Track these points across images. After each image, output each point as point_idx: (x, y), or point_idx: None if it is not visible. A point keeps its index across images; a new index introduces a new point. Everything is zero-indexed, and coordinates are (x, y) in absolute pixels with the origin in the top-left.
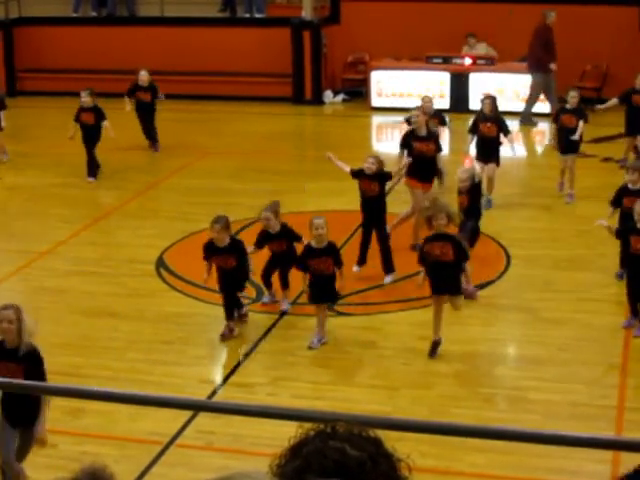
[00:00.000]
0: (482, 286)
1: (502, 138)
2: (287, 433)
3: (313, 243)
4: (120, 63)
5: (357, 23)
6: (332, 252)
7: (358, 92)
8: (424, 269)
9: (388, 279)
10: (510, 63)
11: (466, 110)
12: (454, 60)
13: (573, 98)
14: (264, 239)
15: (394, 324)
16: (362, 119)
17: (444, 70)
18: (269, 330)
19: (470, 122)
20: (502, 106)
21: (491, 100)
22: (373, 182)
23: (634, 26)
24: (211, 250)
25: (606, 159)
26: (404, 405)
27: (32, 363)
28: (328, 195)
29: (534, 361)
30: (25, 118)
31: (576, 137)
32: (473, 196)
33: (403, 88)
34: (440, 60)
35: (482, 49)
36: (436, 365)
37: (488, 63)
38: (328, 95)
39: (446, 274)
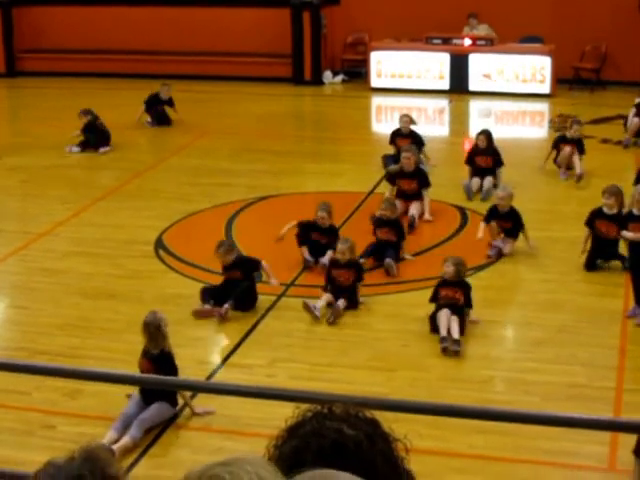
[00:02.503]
0: (481, 267)
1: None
2: (285, 414)
3: (338, 256)
4: (119, 43)
5: (357, 4)
6: (354, 267)
7: (358, 73)
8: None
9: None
10: (510, 44)
11: (465, 91)
12: (454, 41)
13: (576, 131)
14: (309, 228)
15: (391, 305)
16: (362, 100)
17: (444, 51)
18: (267, 312)
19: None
20: (501, 87)
21: (485, 135)
22: (391, 229)
23: (634, 6)
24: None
25: (605, 140)
26: (402, 387)
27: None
28: (327, 176)
29: (533, 343)
30: (24, 98)
31: (578, 171)
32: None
33: (403, 69)
34: (440, 41)
35: (483, 30)
36: (434, 347)
37: (488, 44)
38: (327, 76)
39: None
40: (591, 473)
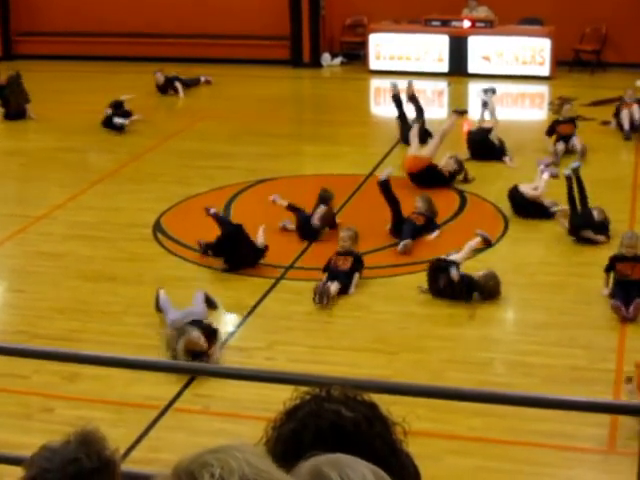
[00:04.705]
0: (480, 250)
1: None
2: (284, 397)
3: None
4: (117, 25)
5: None
6: (354, 257)
7: (356, 55)
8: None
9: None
10: (509, 26)
11: (465, 73)
12: (453, 23)
13: (567, 111)
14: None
15: (391, 287)
16: (360, 82)
17: (443, 33)
18: (266, 294)
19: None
20: (501, 69)
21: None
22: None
23: None
24: None
25: (605, 122)
26: (403, 369)
27: None
28: (326, 159)
29: (533, 325)
30: None
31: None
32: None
33: (402, 51)
34: (439, 23)
35: (483, 12)
36: (435, 329)
37: (487, 26)
38: (326, 58)
39: None
40: (591, 455)
